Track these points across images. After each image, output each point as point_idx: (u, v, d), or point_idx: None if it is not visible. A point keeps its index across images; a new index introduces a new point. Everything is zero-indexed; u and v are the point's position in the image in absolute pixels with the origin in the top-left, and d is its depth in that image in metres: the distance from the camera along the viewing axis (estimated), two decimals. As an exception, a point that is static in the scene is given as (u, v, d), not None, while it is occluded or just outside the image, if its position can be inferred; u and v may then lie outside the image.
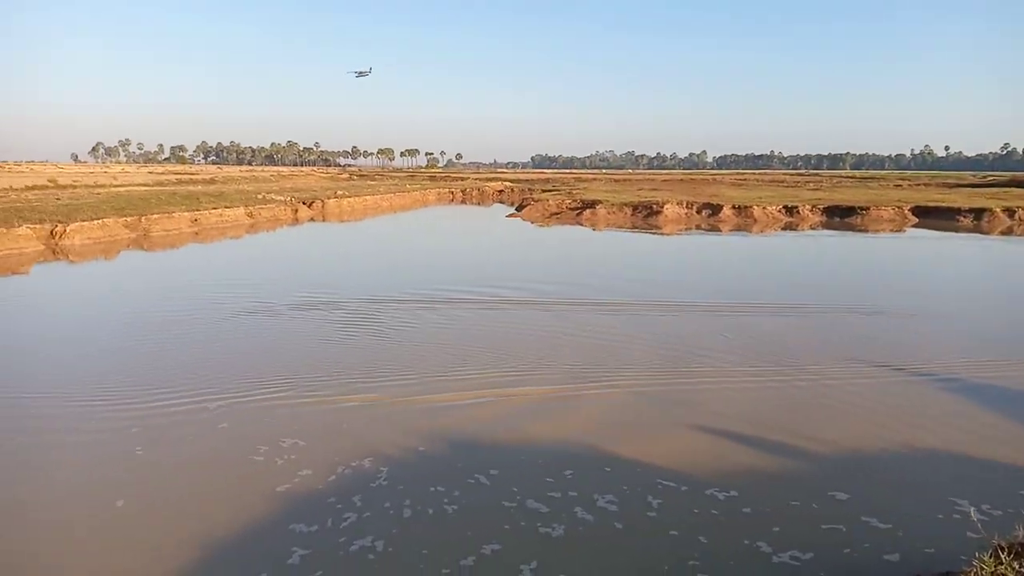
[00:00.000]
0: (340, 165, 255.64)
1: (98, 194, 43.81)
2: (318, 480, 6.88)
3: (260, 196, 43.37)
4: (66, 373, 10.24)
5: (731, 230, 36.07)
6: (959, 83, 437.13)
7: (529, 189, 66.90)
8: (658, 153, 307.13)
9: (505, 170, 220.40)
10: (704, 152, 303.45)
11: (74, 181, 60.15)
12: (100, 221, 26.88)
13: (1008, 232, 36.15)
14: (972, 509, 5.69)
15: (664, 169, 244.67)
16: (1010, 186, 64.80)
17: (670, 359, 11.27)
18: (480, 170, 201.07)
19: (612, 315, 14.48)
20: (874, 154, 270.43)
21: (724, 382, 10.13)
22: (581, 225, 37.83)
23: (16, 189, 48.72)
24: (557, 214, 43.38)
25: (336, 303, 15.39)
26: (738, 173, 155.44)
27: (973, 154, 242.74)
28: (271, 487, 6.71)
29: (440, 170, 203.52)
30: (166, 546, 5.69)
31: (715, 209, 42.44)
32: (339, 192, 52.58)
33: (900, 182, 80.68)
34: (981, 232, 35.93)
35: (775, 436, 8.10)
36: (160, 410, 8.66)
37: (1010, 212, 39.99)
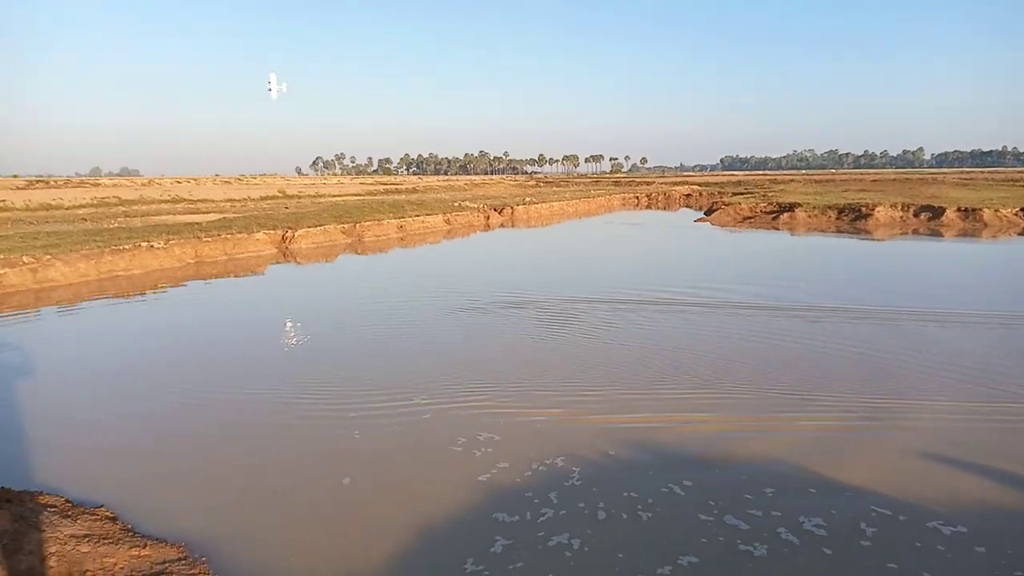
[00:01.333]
0: (527, 172, 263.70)
1: (319, 203, 49.10)
2: (515, 474, 7.18)
3: (456, 204, 46.00)
4: (294, 366, 11.59)
5: (956, 235, 32.11)
6: None
7: (719, 192, 64.47)
8: (865, 151, 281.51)
9: (692, 173, 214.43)
10: (920, 149, 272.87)
11: (299, 192, 67.93)
12: (322, 227, 30.08)
13: None
14: None
15: (873, 168, 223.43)
16: None
17: (889, 374, 10.30)
18: (665, 174, 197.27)
19: (813, 324, 13.51)
20: None
21: (951, 405, 9.06)
22: (777, 230, 35.73)
23: (253, 199, 56.03)
24: (750, 218, 41.34)
25: (537, 302, 16.10)
26: (962, 172, 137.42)
27: None
28: (472, 476, 7.13)
29: (624, 175, 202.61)
30: (387, 522, 6.27)
31: (936, 212, 38.01)
32: (527, 199, 54.23)
33: None
34: None
35: (1017, 469, 7.12)
36: (373, 399, 9.52)
37: None
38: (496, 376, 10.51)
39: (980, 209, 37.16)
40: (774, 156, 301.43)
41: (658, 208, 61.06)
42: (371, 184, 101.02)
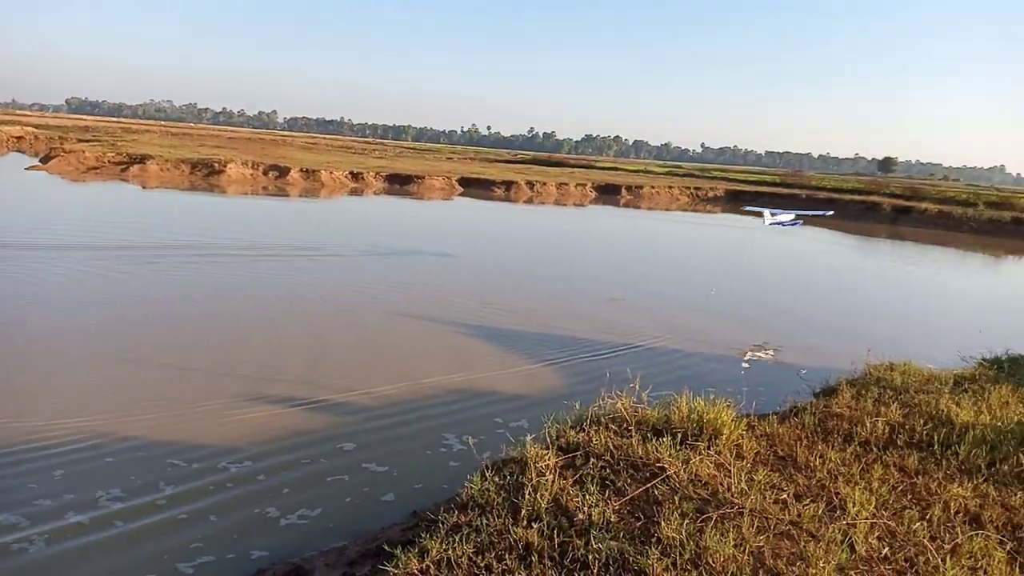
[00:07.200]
0: None
1: None
2: None
3: None
4: None
5: (300, 194, 35.88)
6: (497, 74, 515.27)
7: (60, 138, 55.43)
8: (224, 108, 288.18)
9: (30, 112, 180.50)
10: (275, 112, 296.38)
11: None
12: None
13: (529, 201, 43.71)
14: (456, 440, 6.62)
15: (231, 126, 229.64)
16: (533, 163, 78.40)
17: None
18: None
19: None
20: (432, 128, 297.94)
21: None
22: (127, 182, 33.16)
23: None
24: (96, 168, 37.18)
25: None
26: (309, 136, 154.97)
27: (508, 134, 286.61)
28: None
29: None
30: None
31: (283, 171, 41.51)
32: None
33: (451, 155, 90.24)
34: (510, 201, 42.61)
35: (288, 391, 8.21)
36: None
37: (531, 185, 48.41)
38: None
39: (319, 171, 42.37)
40: (130, 103, 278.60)
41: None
42: None
